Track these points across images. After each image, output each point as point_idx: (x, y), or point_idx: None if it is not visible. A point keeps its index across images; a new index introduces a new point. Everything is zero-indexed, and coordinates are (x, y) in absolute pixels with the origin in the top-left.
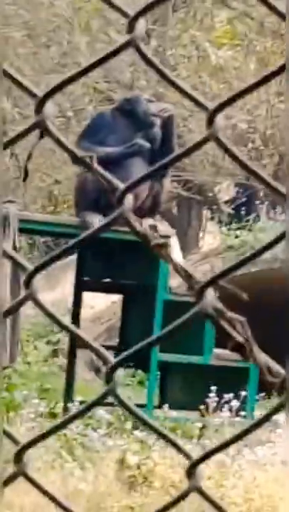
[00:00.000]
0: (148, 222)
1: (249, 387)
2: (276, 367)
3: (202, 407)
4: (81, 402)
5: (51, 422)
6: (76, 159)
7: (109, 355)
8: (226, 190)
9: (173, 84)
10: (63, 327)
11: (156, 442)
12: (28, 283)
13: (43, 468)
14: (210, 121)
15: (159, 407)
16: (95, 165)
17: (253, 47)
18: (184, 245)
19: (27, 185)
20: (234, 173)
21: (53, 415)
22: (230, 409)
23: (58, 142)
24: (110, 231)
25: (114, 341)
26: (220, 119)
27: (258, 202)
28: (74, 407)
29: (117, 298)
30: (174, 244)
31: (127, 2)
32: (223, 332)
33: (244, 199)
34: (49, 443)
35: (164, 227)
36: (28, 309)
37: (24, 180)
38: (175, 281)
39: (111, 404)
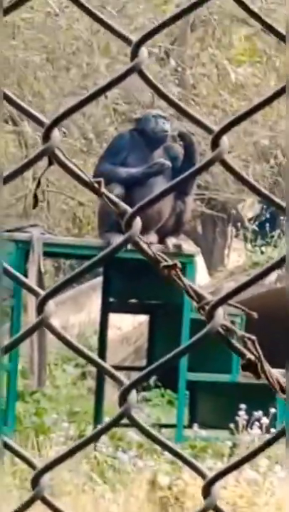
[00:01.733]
0: (172, 241)
1: (278, 403)
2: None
3: (232, 425)
4: None
5: None
6: (85, 184)
7: (123, 377)
8: (249, 207)
9: (176, 106)
10: (76, 350)
11: None
12: (40, 309)
13: (74, 492)
14: (215, 144)
15: (189, 426)
16: (103, 190)
17: (272, 63)
18: (210, 263)
19: (50, 209)
20: None
21: None
22: (260, 427)
23: (66, 168)
24: (134, 251)
25: (143, 362)
26: (225, 141)
27: (282, 218)
28: None
29: (144, 318)
30: (199, 262)
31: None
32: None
33: (268, 215)
34: (79, 466)
35: (188, 246)
36: None
37: (34, 207)
38: None
39: None
